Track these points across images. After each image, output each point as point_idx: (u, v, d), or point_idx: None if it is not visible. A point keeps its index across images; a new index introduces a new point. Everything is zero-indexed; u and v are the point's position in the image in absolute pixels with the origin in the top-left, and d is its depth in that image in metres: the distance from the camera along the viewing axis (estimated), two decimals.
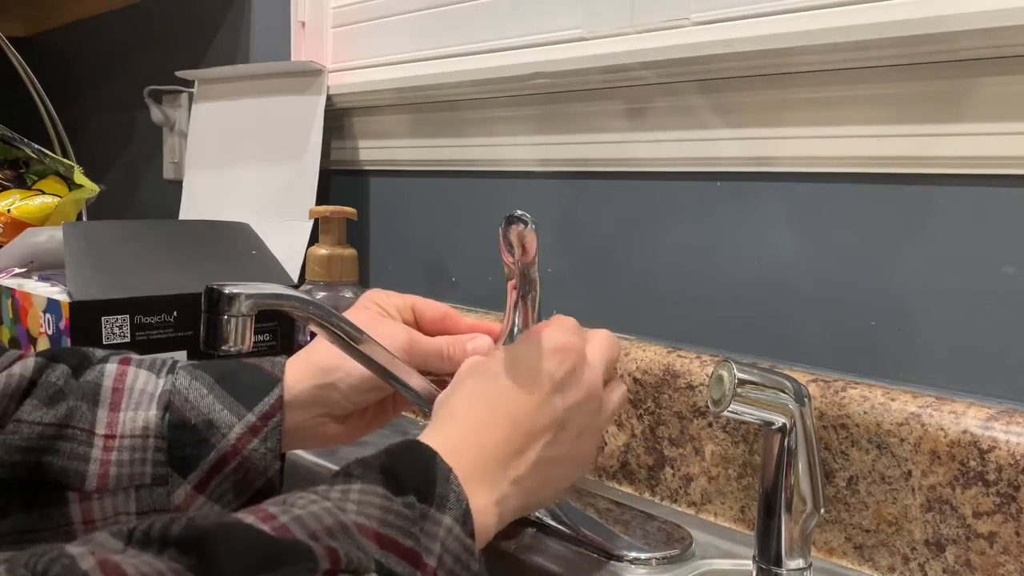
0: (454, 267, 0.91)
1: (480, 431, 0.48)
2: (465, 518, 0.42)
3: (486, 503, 0.45)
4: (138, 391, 0.54)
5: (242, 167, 1.11)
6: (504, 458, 0.47)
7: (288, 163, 1.04)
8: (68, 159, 1.26)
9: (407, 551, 0.39)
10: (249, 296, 0.55)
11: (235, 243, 0.95)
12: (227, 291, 0.54)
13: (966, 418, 0.53)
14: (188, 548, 0.34)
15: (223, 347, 0.55)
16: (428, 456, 0.44)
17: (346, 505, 0.39)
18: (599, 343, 0.55)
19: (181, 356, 0.85)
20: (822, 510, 0.51)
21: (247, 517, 0.37)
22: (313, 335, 0.83)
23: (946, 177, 0.57)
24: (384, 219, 1.00)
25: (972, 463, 0.52)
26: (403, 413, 0.92)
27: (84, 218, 1.22)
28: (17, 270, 0.95)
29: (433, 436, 0.47)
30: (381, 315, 0.61)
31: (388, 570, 0.38)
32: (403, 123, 0.95)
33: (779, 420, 0.50)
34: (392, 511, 0.40)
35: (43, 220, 1.14)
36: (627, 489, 0.71)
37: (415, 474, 0.42)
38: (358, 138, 1.01)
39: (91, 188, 1.20)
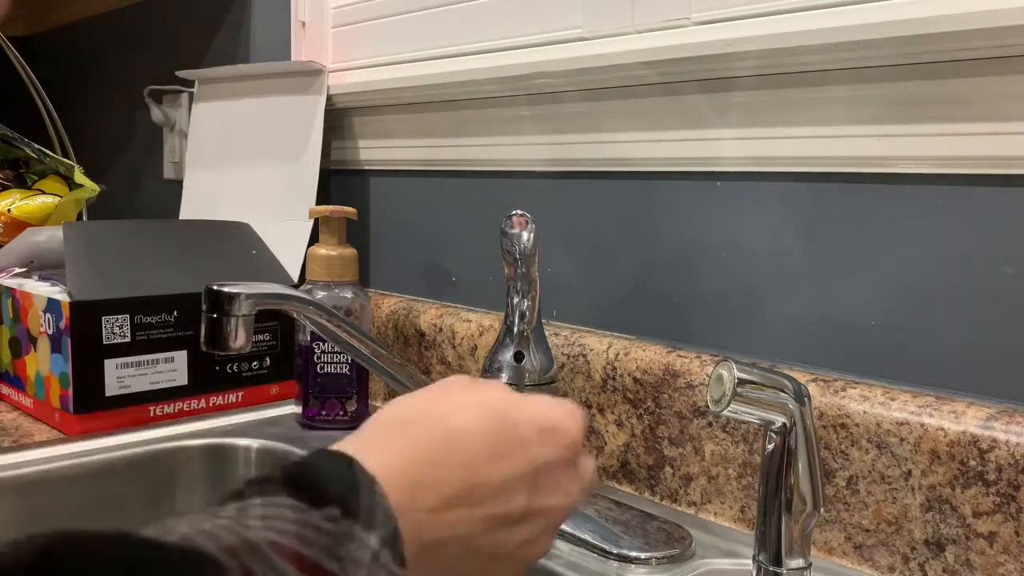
0: (454, 267, 0.91)
1: (414, 460, 0.37)
2: (393, 540, 0.33)
3: (408, 541, 0.35)
4: None
5: (242, 167, 1.11)
6: (432, 509, 0.36)
7: (288, 163, 1.04)
8: (68, 159, 1.26)
9: None
10: (249, 296, 0.55)
11: (235, 243, 0.95)
12: (227, 291, 0.54)
13: (966, 418, 0.53)
14: None
15: (223, 347, 0.55)
16: (344, 461, 0.34)
17: (247, 521, 0.30)
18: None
19: (181, 356, 0.85)
20: (822, 510, 0.51)
21: (100, 532, 0.27)
22: (313, 335, 0.83)
23: (946, 177, 0.57)
24: (384, 219, 1.00)
25: (972, 463, 0.52)
26: None
27: (84, 218, 1.22)
28: (17, 270, 0.95)
29: (355, 442, 0.37)
30: None
31: None
32: (403, 123, 0.95)
33: (779, 420, 0.50)
34: (311, 525, 0.31)
35: (43, 220, 1.14)
36: (627, 489, 0.71)
37: (332, 481, 0.33)
38: (358, 138, 1.01)
39: (91, 188, 1.20)
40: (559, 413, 0.43)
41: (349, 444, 0.37)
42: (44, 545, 0.26)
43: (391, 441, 0.38)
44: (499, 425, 0.40)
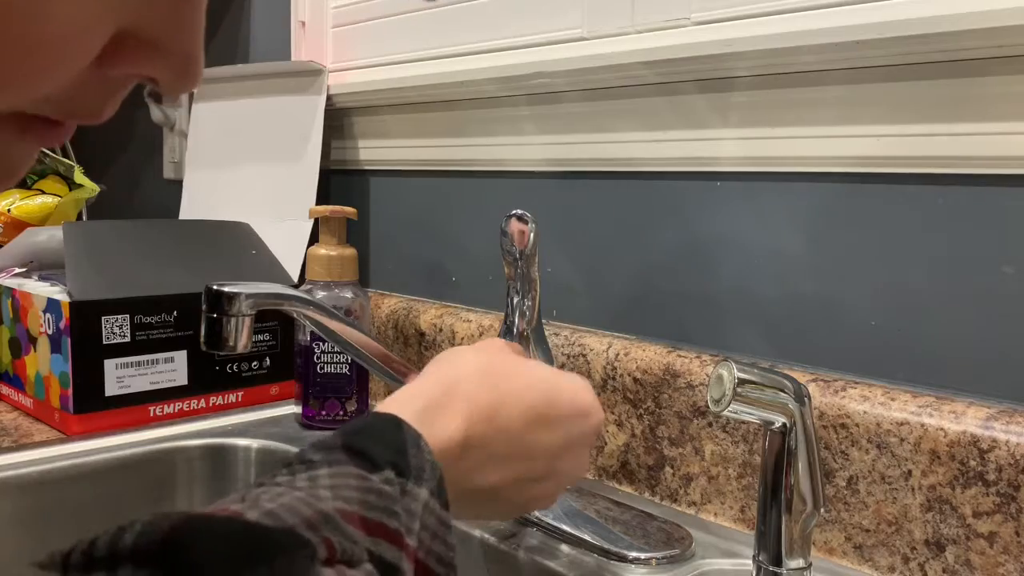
0: (454, 267, 0.91)
1: (471, 420, 0.43)
2: (439, 489, 0.38)
3: (450, 488, 0.41)
4: None
5: (242, 167, 1.11)
6: (475, 466, 0.44)
7: (288, 163, 1.04)
8: (68, 159, 1.26)
9: (392, 533, 0.35)
10: (249, 296, 0.55)
11: (235, 243, 0.95)
12: (227, 291, 0.55)
13: (966, 418, 0.53)
14: (148, 558, 0.28)
15: (223, 347, 0.55)
16: (393, 424, 0.40)
17: (319, 492, 0.34)
18: None
19: (181, 356, 0.85)
20: (822, 510, 0.51)
21: (215, 514, 0.32)
22: (313, 335, 0.83)
23: (946, 177, 0.57)
24: (384, 219, 1.00)
25: (972, 463, 0.52)
26: None
27: (84, 218, 1.22)
28: (17, 270, 0.95)
29: (418, 402, 0.43)
30: None
31: (379, 557, 0.34)
32: (403, 123, 0.95)
33: (779, 420, 0.50)
34: (372, 491, 0.35)
35: (43, 220, 1.14)
36: (627, 489, 0.71)
37: (385, 446, 0.38)
38: (358, 138, 1.01)
39: (91, 188, 1.20)
40: (591, 399, 0.50)
41: (409, 404, 0.42)
42: (169, 529, 0.29)
43: (451, 403, 0.44)
44: (541, 399, 0.47)
